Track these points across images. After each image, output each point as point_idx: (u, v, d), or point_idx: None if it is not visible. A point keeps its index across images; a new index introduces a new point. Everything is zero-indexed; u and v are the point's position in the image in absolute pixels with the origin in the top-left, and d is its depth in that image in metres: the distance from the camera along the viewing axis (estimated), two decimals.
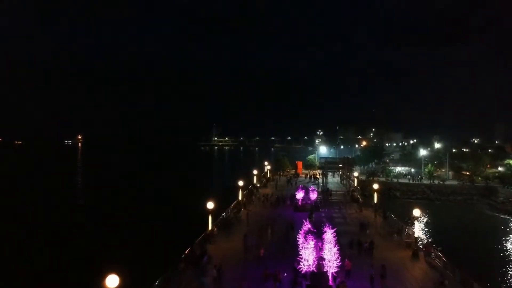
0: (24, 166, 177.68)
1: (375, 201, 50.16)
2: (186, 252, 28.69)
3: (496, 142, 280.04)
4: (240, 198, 50.97)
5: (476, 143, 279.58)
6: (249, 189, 62.32)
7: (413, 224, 34.79)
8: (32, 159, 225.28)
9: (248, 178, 71.30)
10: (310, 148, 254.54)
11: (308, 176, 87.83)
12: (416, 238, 33.27)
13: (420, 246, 33.01)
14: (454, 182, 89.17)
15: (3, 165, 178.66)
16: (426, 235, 49.45)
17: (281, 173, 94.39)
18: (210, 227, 34.53)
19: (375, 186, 50.42)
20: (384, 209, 46.75)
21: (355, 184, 69.96)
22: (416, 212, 33.07)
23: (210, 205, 33.92)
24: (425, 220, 66.59)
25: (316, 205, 49.64)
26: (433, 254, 30.20)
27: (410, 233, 35.49)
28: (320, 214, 46.84)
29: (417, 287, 24.63)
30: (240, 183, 51.04)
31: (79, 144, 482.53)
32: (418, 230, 34.16)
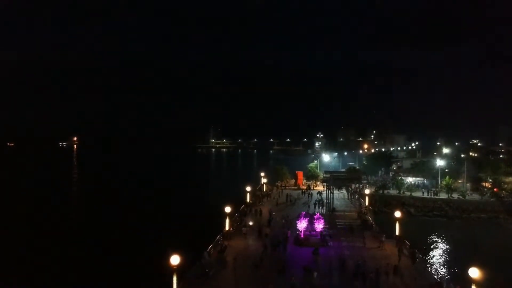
0: (17, 169, 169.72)
1: (397, 232, 39.75)
2: None
3: (500, 144, 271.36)
4: (226, 228, 40.65)
5: (480, 145, 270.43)
6: (240, 210, 52.10)
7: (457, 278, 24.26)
8: (25, 162, 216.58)
9: (243, 193, 61.47)
10: (310, 153, 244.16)
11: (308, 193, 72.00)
12: None
13: None
14: (475, 196, 78.78)
15: None
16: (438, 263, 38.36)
17: (281, 184, 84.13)
18: None
19: (397, 213, 39.94)
20: (413, 248, 35.97)
21: (367, 203, 59.54)
22: (474, 271, 22.72)
23: (175, 259, 23.49)
24: (443, 243, 56.60)
25: (323, 238, 39.26)
26: None
27: None
28: (329, 251, 36.58)
29: None
30: (227, 209, 40.64)
31: (74, 146, 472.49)
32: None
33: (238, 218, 48.04)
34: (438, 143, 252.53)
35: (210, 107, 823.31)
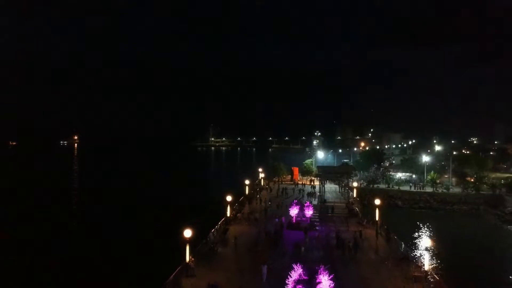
0: (19, 168, 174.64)
1: (377, 217, 45.41)
2: None
3: (496, 142, 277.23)
4: (228, 214, 46.33)
5: (476, 143, 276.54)
6: (240, 201, 57.70)
7: (424, 254, 29.99)
8: (27, 160, 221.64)
9: (242, 186, 66.84)
10: (308, 151, 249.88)
11: (301, 186, 79.23)
12: (427, 272, 28.64)
13: (432, 281, 28.19)
14: (458, 190, 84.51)
15: None
16: (436, 264, 44.58)
17: (278, 180, 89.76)
18: (187, 258, 29.74)
19: (377, 201, 45.63)
20: (388, 228, 41.93)
21: (355, 195, 65.20)
22: (428, 242, 28.45)
23: (188, 233, 29.15)
24: (427, 232, 62.12)
25: (311, 223, 44.99)
26: None
27: (420, 263, 30.76)
28: (315, 234, 42.20)
29: None
30: (229, 198, 46.32)
31: (75, 144, 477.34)
32: (430, 259, 29.37)
33: (237, 207, 53.61)
34: (434, 141, 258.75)
35: (210, 106, 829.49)
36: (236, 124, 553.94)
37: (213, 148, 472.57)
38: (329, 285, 19.40)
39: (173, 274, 28.00)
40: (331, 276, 19.79)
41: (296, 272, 19.95)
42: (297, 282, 19.36)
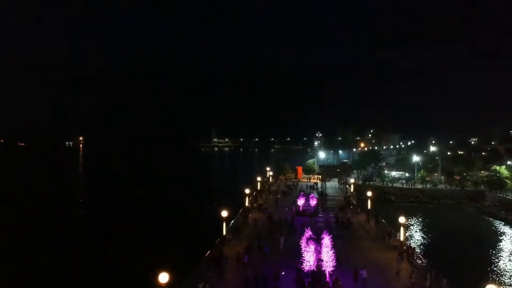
0: (28, 168, 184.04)
1: (369, 206, 55.55)
2: (207, 254, 34.01)
3: (493, 143, 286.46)
4: (247, 204, 56.52)
5: (472, 144, 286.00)
6: (254, 194, 67.84)
7: (400, 229, 40.11)
8: (35, 161, 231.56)
9: (250, 184, 76.88)
10: (309, 151, 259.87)
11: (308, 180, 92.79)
12: (402, 242, 38.72)
13: (405, 248, 38.24)
14: (446, 187, 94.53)
15: (7, 167, 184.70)
16: (411, 239, 55.19)
17: (284, 178, 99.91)
18: (224, 232, 39.90)
19: (369, 193, 55.81)
20: (377, 214, 52.09)
21: (352, 190, 75.31)
22: (402, 219, 38.52)
23: (224, 213, 39.26)
24: (416, 223, 72.13)
25: (315, 211, 55.10)
26: (415, 256, 35.58)
27: (397, 237, 40.89)
28: (318, 219, 52.26)
29: (398, 282, 30.03)
30: (247, 190, 56.56)
31: (80, 145, 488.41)
32: (405, 234, 39.62)
33: (252, 199, 63.78)
34: (433, 142, 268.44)
35: (212, 108, 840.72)
36: (238, 125, 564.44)
37: (216, 148, 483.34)
38: (330, 242, 29.36)
39: (216, 243, 38.06)
40: (331, 236, 29.86)
41: (307, 233, 30.09)
42: (308, 238, 29.39)
